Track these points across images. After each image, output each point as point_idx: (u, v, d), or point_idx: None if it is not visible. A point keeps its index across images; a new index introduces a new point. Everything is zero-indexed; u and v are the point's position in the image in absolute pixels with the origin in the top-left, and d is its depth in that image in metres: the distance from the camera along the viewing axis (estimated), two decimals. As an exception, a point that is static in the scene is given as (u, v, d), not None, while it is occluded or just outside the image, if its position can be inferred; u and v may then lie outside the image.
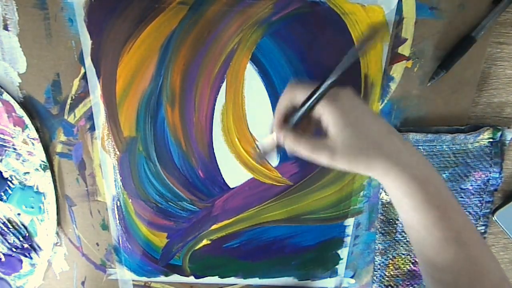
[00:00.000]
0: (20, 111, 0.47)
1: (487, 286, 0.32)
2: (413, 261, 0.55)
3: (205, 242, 0.55)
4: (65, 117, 0.48)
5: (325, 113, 0.34)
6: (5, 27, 0.44)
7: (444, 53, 0.45)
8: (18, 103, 0.47)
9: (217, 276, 0.57)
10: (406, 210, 0.33)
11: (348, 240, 0.55)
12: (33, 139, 0.48)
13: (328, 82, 0.33)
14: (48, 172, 0.50)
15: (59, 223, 0.53)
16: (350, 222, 0.54)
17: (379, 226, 0.53)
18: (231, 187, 0.52)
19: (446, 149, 0.49)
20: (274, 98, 0.47)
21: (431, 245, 0.33)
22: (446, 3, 0.43)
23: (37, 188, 0.51)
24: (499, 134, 0.48)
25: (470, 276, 0.32)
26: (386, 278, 0.56)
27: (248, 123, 0.48)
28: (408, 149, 0.33)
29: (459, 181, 0.50)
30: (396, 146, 0.33)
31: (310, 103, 0.34)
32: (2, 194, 0.50)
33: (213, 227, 0.54)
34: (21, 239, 0.53)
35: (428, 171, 0.33)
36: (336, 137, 0.33)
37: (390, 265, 0.55)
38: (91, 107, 0.47)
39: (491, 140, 0.48)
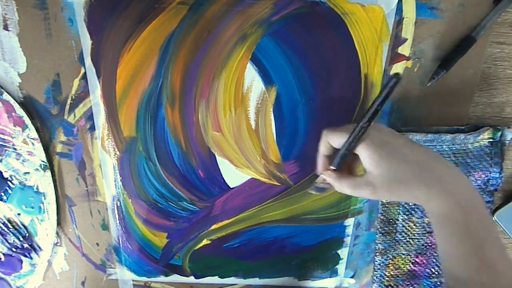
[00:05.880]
0: (20, 111, 0.47)
1: None
2: (413, 261, 0.55)
3: (205, 242, 0.55)
4: (65, 117, 0.48)
5: (360, 152, 0.35)
6: (5, 27, 0.44)
7: (444, 53, 0.45)
8: (18, 103, 0.47)
9: (217, 276, 0.57)
10: (445, 235, 0.34)
11: (348, 240, 0.55)
12: (33, 139, 0.48)
13: (360, 124, 0.34)
14: (48, 172, 0.50)
15: (59, 223, 0.53)
16: (350, 222, 0.53)
17: (379, 226, 0.53)
18: (231, 187, 0.52)
19: (446, 149, 0.49)
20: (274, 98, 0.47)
21: (464, 271, 0.33)
22: (446, 3, 0.43)
23: (37, 188, 0.51)
24: (499, 134, 0.48)
25: None
26: (386, 278, 0.56)
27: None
28: (452, 174, 0.34)
29: (459, 181, 0.50)
30: (437, 172, 0.33)
31: (345, 146, 0.36)
32: (2, 194, 0.50)
33: (213, 227, 0.54)
34: (21, 239, 0.53)
35: (472, 197, 0.33)
36: (373, 173, 0.34)
37: (390, 265, 0.55)
38: (91, 107, 0.47)
39: (491, 140, 0.48)
